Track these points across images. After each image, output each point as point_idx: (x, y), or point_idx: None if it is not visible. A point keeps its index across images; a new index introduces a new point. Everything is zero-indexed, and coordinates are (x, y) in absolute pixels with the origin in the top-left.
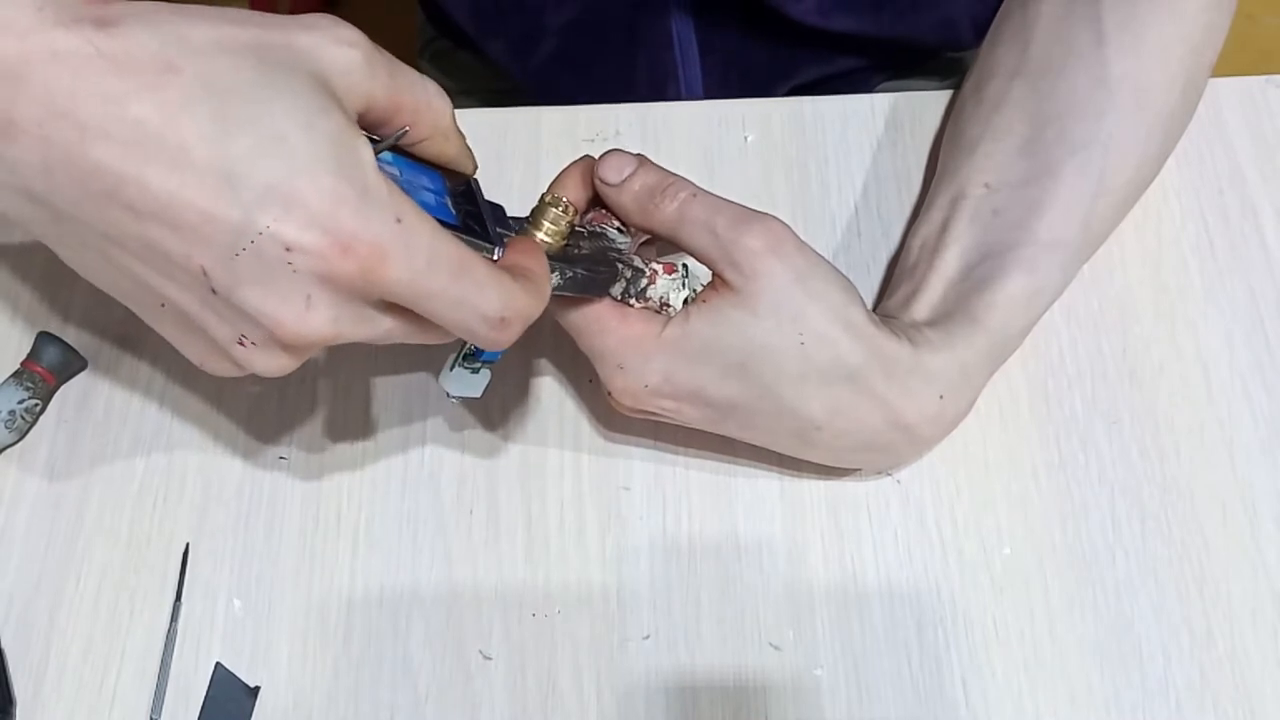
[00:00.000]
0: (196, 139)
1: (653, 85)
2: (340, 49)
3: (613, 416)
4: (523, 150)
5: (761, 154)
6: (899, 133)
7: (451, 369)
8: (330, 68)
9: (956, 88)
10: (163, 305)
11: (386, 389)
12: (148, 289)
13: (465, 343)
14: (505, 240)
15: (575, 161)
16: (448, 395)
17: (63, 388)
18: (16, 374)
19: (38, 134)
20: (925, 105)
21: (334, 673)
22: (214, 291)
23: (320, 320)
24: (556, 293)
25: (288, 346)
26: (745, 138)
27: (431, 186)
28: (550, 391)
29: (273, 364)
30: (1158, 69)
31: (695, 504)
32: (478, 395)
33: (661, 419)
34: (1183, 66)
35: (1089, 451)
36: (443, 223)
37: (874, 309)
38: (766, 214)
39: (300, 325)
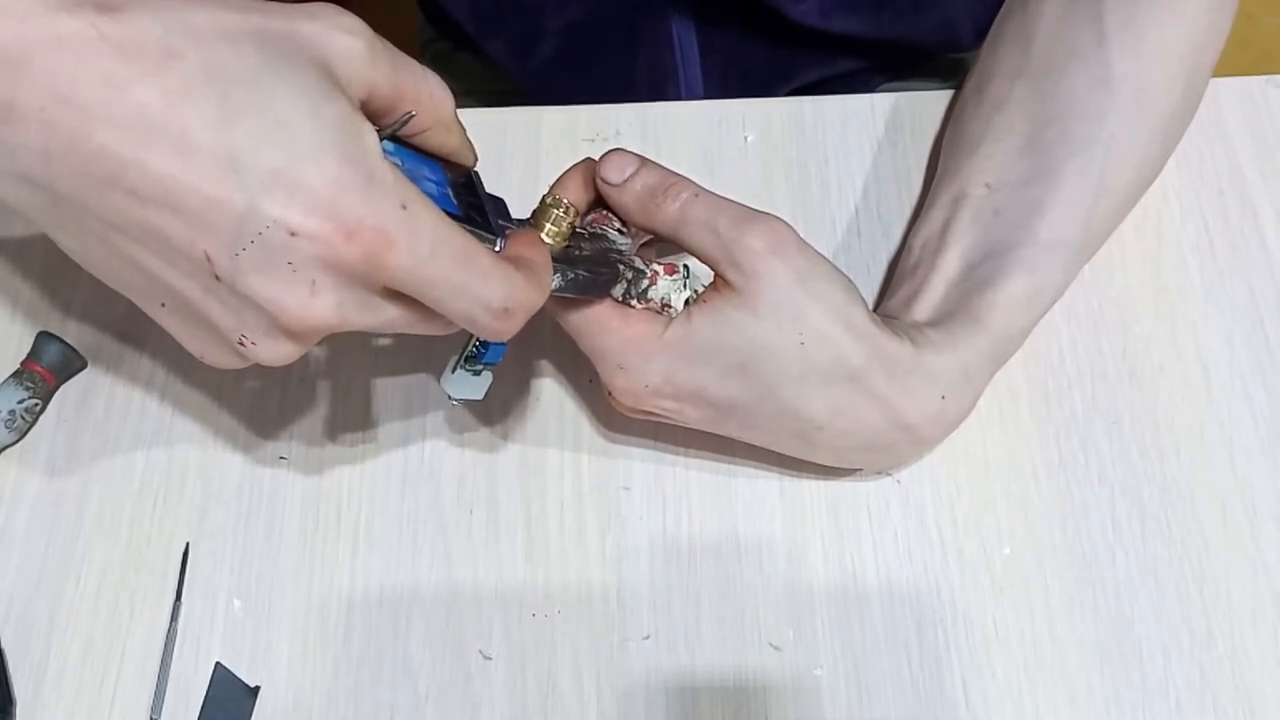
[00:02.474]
0: (200, 124)
1: (653, 86)
2: (343, 36)
3: (613, 416)
4: (523, 150)
5: (761, 154)
6: (899, 133)
7: (453, 371)
8: (333, 55)
9: (957, 88)
10: (164, 296)
11: (386, 388)
12: (149, 277)
13: (466, 344)
14: (507, 233)
15: (577, 164)
16: (449, 398)
17: (63, 387)
18: (16, 374)
19: (39, 119)
20: (925, 105)
21: (334, 673)
22: (217, 278)
23: (324, 306)
24: (558, 294)
25: (291, 333)
26: (745, 138)
27: (433, 177)
28: (550, 391)
29: (276, 352)
30: (1159, 69)
31: (695, 504)
32: (479, 398)
33: (662, 419)
34: (1184, 67)
35: (1089, 451)
36: (446, 213)
37: (875, 309)
38: (769, 214)
39: (304, 311)
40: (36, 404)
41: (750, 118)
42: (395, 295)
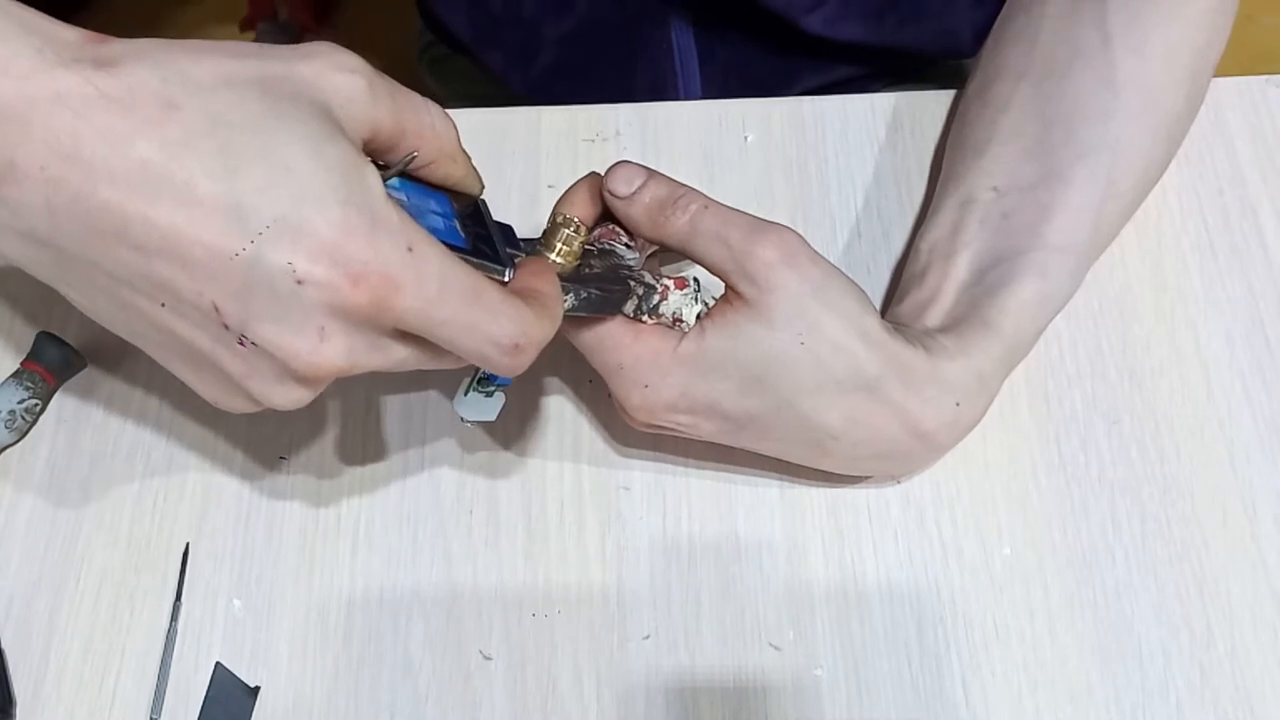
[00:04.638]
0: (202, 174)
1: (652, 95)
2: (342, 76)
3: (613, 417)
4: (523, 150)
5: (761, 154)
6: (899, 133)
7: (465, 394)
8: (333, 96)
9: (958, 90)
10: (175, 346)
11: (386, 388)
12: (159, 329)
13: (478, 368)
14: (515, 261)
15: (581, 179)
16: (462, 420)
17: (63, 388)
18: (16, 374)
19: (41, 177)
20: (925, 106)
21: (334, 673)
22: (226, 328)
23: (335, 352)
24: (571, 314)
25: (303, 379)
26: (745, 138)
27: (439, 210)
28: (550, 392)
29: (289, 397)
30: (1163, 71)
31: (695, 504)
32: (492, 419)
33: (677, 433)
34: (1188, 68)
35: (1089, 451)
36: (452, 246)
37: (882, 313)
38: (779, 224)
39: (315, 357)
40: (36, 404)
41: (750, 118)
42: (405, 336)
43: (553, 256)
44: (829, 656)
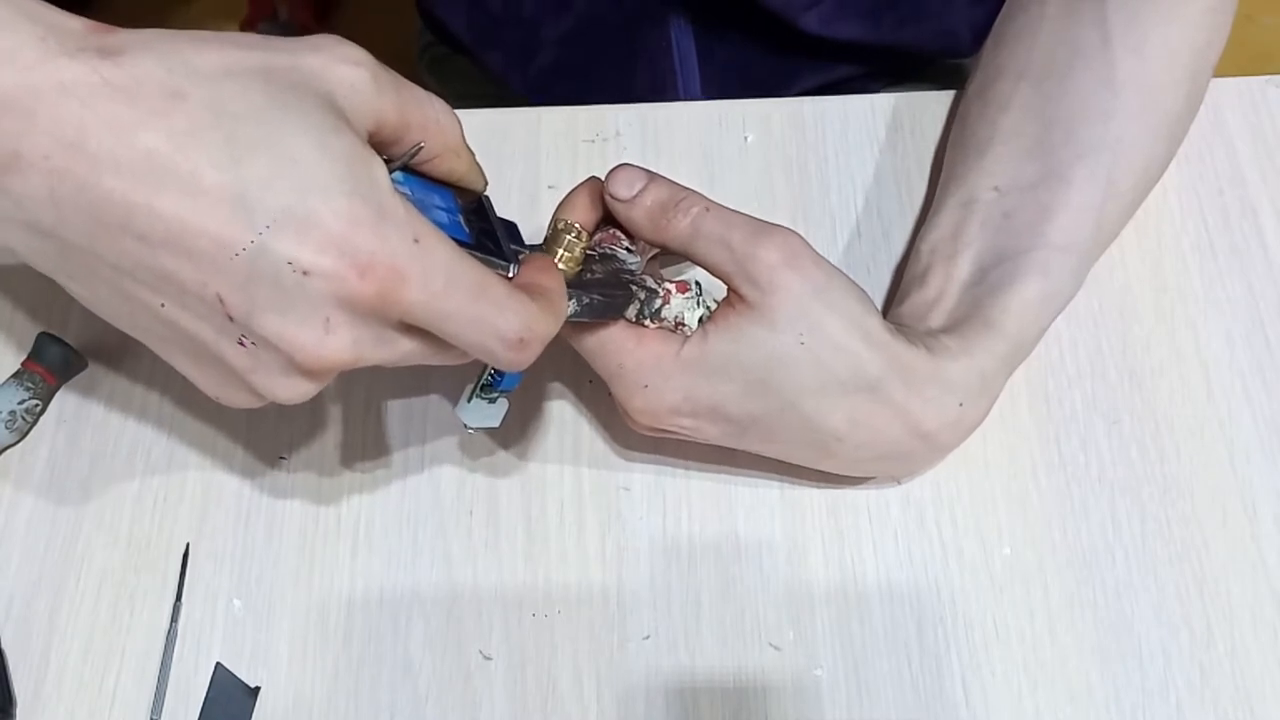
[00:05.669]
0: (207, 165)
1: (652, 94)
2: (347, 68)
3: (613, 418)
4: (522, 151)
5: (761, 154)
6: (899, 133)
7: (469, 400)
8: (338, 87)
9: (958, 90)
10: (178, 339)
11: (386, 388)
12: (163, 321)
13: (481, 374)
14: (520, 257)
15: (581, 183)
16: (465, 427)
17: (63, 388)
18: (17, 374)
19: (45, 167)
20: (925, 106)
21: (334, 673)
22: (231, 319)
23: (340, 343)
24: (574, 319)
25: (308, 372)
26: (745, 138)
27: (443, 205)
28: (550, 392)
29: (293, 390)
30: (1163, 70)
31: (695, 504)
32: (496, 425)
33: (680, 437)
34: (1187, 68)
35: (1089, 451)
36: (458, 241)
37: (883, 314)
38: (781, 226)
39: (320, 349)
40: (37, 404)
41: (750, 118)
42: (410, 329)
43: (555, 262)
44: (829, 656)
